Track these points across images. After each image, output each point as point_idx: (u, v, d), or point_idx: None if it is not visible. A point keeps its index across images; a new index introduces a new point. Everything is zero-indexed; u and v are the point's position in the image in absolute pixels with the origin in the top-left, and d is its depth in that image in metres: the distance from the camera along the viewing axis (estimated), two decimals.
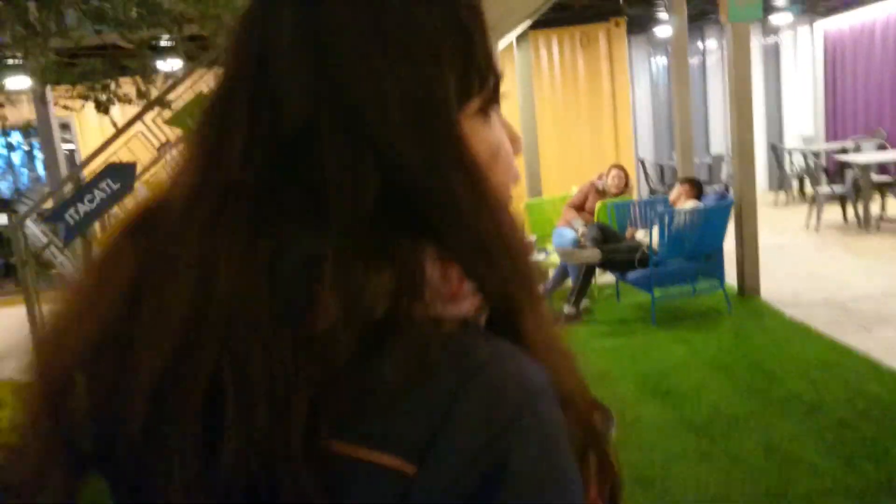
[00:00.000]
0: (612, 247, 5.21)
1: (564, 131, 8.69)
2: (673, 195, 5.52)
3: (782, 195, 9.87)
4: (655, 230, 5.15)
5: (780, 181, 9.94)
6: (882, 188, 7.78)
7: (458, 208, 0.46)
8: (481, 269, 0.47)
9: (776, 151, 9.82)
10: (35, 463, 0.48)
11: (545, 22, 7.94)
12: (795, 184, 9.93)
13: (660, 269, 5.06)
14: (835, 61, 10.71)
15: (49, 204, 5.68)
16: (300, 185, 0.45)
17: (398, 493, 0.40)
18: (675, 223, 5.05)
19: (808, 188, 9.21)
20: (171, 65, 6.26)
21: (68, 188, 5.36)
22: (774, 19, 10.27)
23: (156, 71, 5.05)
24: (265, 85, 0.47)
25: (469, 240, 0.46)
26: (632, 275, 5.13)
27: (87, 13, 4.18)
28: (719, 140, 10.92)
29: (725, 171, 9.51)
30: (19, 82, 6.21)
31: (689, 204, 5.28)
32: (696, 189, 5.49)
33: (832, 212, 8.02)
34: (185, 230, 0.46)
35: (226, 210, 0.45)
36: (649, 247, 5.08)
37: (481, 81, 0.50)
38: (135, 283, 0.47)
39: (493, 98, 0.51)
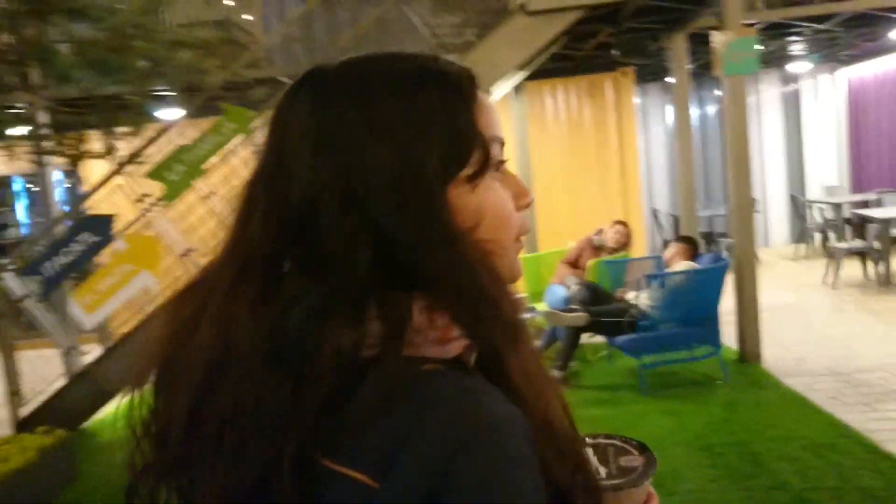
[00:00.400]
0: (599, 309, 4.94)
1: (571, 183, 8.45)
2: (667, 255, 5.26)
3: (803, 248, 9.48)
4: (646, 292, 4.88)
5: (800, 234, 9.56)
6: None
7: (440, 267, 0.53)
8: (465, 317, 0.53)
9: (796, 203, 9.47)
10: (137, 466, 0.58)
11: (550, 71, 7.81)
12: (818, 237, 9.53)
13: (650, 334, 4.77)
14: (858, 110, 10.36)
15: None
16: (306, 252, 0.55)
17: (362, 503, 0.47)
18: (667, 285, 4.77)
19: (829, 242, 8.83)
20: (167, 114, 6.26)
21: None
22: (793, 68, 10.02)
23: (146, 121, 5.00)
24: (281, 171, 0.57)
25: (451, 292, 0.53)
26: (620, 339, 4.85)
27: (86, 63, 4.17)
28: None
29: None
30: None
31: (682, 265, 5.01)
32: (693, 248, 5.22)
33: (853, 268, 7.63)
34: (215, 288, 0.57)
35: (245, 273, 0.55)
36: (637, 309, 4.81)
37: (467, 155, 0.56)
38: (182, 328, 0.57)
39: (483, 166, 0.57)
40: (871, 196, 9.08)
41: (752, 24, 6.17)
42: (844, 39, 8.08)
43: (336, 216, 0.53)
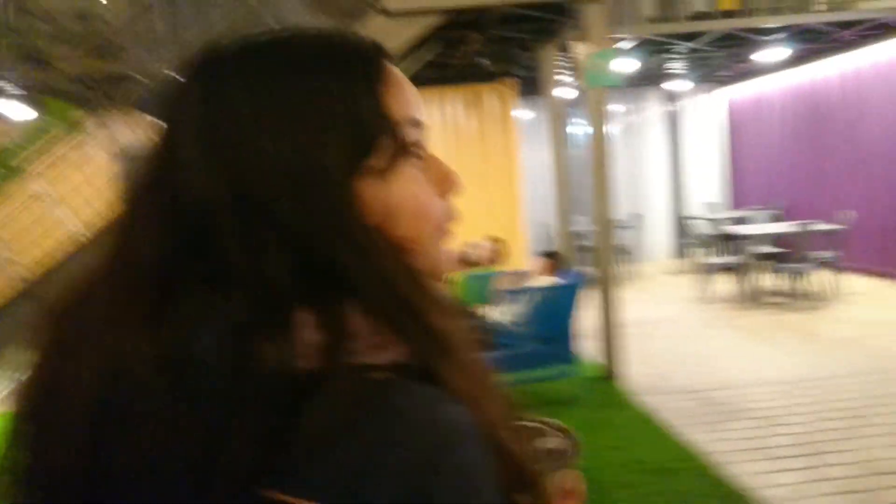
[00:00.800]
0: None
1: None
2: (530, 269, 5.12)
3: (683, 263, 9.67)
4: (505, 308, 4.71)
5: (681, 249, 9.76)
6: (774, 261, 7.55)
7: (352, 271, 0.48)
8: (395, 321, 0.48)
9: (677, 219, 9.67)
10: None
11: (429, 79, 7.62)
12: (699, 252, 9.75)
13: (506, 352, 4.59)
14: (737, 129, 10.73)
15: None
16: (208, 264, 0.47)
17: None
18: (524, 301, 4.62)
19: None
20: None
21: None
22: (674, 86, 10.26)
23: None
24: (170, 174, 0.50)
25: (374, 295, 0.48)
26: None
27: None
28: (622, 205, 10.73)
29: (623, 238, 9.25)
30: None
31: (543, 280, 4.88)
32: (556, 263, 5.10)
33: (728, 283, 7.78)
34: (95, 312, 0.49)
35: (132, 292, 0.48)
36: (494, 326, 4.63)
37: (371, 143, 0.50)
38: (55, 360, 0.49)
39: (395, 154, 0.51)
40: (746, 213, 9.35)
41: (618, 38, 6.18)
42: (717, 59, 8.28)
43: (237, 222, 0.47)
